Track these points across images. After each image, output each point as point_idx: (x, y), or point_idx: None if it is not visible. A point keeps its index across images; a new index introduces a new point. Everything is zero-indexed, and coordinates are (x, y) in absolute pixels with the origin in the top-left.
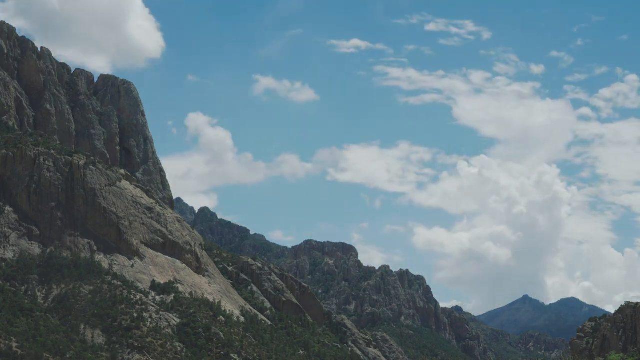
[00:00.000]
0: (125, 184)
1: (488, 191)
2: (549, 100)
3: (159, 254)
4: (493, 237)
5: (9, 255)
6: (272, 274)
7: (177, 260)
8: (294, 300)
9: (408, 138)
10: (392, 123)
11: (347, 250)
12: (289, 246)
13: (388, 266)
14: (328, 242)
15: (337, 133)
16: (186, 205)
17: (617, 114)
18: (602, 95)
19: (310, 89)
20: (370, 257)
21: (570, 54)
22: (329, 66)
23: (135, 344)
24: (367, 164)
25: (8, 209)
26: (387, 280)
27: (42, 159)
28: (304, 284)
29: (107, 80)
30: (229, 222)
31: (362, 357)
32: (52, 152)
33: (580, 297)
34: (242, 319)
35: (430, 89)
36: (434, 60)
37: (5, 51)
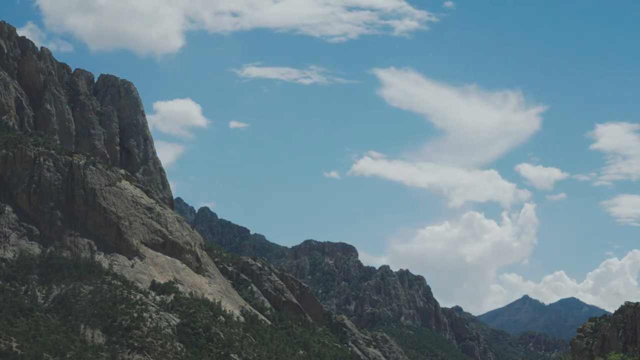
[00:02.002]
0: (125, 184)
1: None
2: None
3: (159, 254)
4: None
5: (9, 255)
6: (272, 274)
7: (177, 260)
8: (294, 300)
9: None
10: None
11: (347, 250)
12: (289, 246)
13: (388, 266)
14: (328, 242)
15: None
16: (186, 205)
17: None
18: None
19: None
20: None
21: None
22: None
23: (135, 344)
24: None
25: (8, 209)
26: (387, 280)
27: (42, 159)
28: (304, 284)
29: (107, 80)
30: (229, 222)
31: (362, 357)
32: (52, 152)
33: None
34: (242, 319)
35: None
36: None
37: (5, 51)
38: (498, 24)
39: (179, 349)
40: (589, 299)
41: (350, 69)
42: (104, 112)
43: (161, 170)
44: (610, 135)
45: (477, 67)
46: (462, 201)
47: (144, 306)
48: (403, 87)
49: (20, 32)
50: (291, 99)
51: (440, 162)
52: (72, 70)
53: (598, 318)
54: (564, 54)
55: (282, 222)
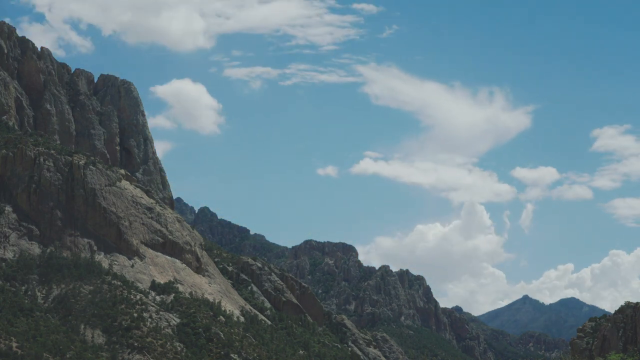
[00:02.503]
0: (125, 184)
1: None
2: None
3: (159, 254)
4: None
5: (9, 255)
6: (272, 274)
7: (177, 260)
8: (294, 300)
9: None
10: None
11: (347, 250)
12: (289, 246)
13: (388, 266)
14: (328, 242)
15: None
16: (186, 205)
17: None
18: None
19: None
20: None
21: None
22: None
23: (135, 344)
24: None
25: (8, 209)
26: (387, 280)
27: (42, 159)
28: (304, 284)
29: (107, 80)
30: (229, 222)
31: (362, 357)
32: (52, 152)
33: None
34: (242, 319)
35: None
36: None
37: (5, 51)
38: (483, 23)
39: (179, 349)
40: (588, 298)
41: (333, 67)
42: (104, 112)
43: (161, 170)
44: (606, 136)
45: (462, 65)
46: (462, 201)
47: (144, 306)
48: (388, 84)
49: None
50: (274, 98)
51: (438, 162)
52: (72, 70)
53: (598, 318)
54: (554, 53)
55: (282, 222)
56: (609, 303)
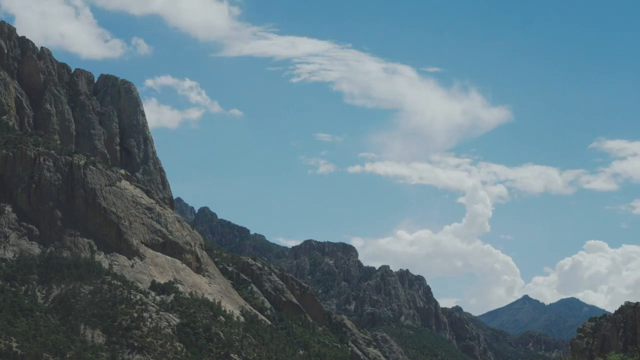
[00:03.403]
0: (125, 184)
1: None
2: None
3: (159, 254)
4: None
5: (9, 255)
6: (272, 274)
7: (177, 260)
8: (294, 300)
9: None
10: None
11: (347, 250)
12: (289, 246)
13: (388, 266)
14: (328, 242)
15: None
16: (186, 205)
17: None
18: None
19: None
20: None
21: None
22: None
23: (135, 344)
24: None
25: (8, 209)
26: (387, 280)
27: (42, 159)
28: (304, 284)
29: (107, 80)
30: (229, 222)
31: (362, 357)
32: (52, 152)
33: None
34: (242, 319)
35: None
36: None
37: (5, 51)
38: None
39: (179, 349)
40: (588, 298)
41: (304, 63)
42: (104, 112)
43: (161, 170)
44: (599, 139)
45: (440, 59)
46: (460, 201)
47: (144, 306)
48: (363, 80)
49: None
50: (270, 99)
51: (434, 162)
52: (72, 70)
53: (598, 318)
54: (541, 53)
55: (282, 222)
56: (609, 302)
